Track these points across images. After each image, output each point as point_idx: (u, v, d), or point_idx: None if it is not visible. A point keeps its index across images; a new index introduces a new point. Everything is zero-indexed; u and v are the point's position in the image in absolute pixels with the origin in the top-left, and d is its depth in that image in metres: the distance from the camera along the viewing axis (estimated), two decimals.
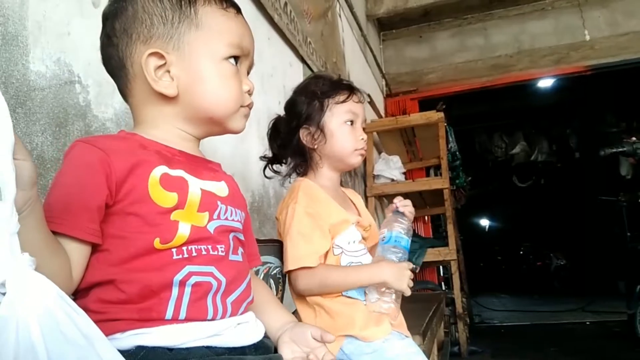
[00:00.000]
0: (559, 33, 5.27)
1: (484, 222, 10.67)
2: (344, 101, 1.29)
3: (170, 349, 0.68)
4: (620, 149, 2.44)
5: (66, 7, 1.07)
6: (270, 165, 1.34)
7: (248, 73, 0.89)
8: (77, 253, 0.68)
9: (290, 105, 1.32)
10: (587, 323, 5.11)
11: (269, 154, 1.35)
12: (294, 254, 1.15)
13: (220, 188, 0.84)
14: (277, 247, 1.30)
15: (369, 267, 1.19)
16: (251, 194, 1.88)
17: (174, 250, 0.72)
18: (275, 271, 1.27)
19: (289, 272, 1.18)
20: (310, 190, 1.24)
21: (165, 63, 0.78)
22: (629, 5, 5.06)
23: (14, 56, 0.93)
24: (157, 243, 0.70)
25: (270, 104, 2.08)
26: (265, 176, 1.35)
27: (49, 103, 1.00)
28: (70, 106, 1.06)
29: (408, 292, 1.15)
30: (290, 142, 1.29)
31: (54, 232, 0.65)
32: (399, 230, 1.19)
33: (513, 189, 9.29)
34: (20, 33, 0.95)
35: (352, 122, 1.30)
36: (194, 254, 0.73)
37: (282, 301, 1.34)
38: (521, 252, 9.54)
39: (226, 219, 0.81)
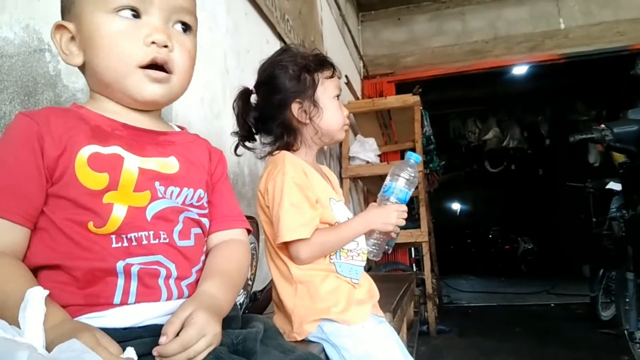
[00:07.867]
0: (535, 20, 5.33)
1: (456, 206, 10.84)
2: (331, 76, 1.26)
3: (124, 328, 0.66)
4: (589, 136, 2.49)
5: None
6: (242, 142, 1.28)
7: (184, 24, 0.78)
8: (18, 235, 0.67)
9: (269, 78, 1.25)
10: (552, 305, 5.28)
11: (240, 130, 1.28)
12: (288, 225, 1.13)
13: (167, 164, 0.77)
14: (251, 224, 1.29)
15: (359, 218, 1.26)
16: None
17: (112, 237, 0.68)
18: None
19: (287, 244, 1.15)
20: (296, 162, 1.21)
21: (72, 35, 0.75)
22: None
23: None
24: (91, 227, 0.68)
25: (246, 80, 2.05)
26: (236, 154, 1.29)
27: (18, 71, 0.97)
28: (40, 75, 1.03)
29: (394, 230, 1.30)
30: (277, 117, 1.23)
31: None
32: (388, 179, 1.30)
33: (485, 174, 9.45)
34: None
35: (338, 97, 1.28)
36: (134, 242, 0.69)
37: (254, 277, 1.34)
38: (490, 236, 9.74)
39: (170, 198, 0.75)
